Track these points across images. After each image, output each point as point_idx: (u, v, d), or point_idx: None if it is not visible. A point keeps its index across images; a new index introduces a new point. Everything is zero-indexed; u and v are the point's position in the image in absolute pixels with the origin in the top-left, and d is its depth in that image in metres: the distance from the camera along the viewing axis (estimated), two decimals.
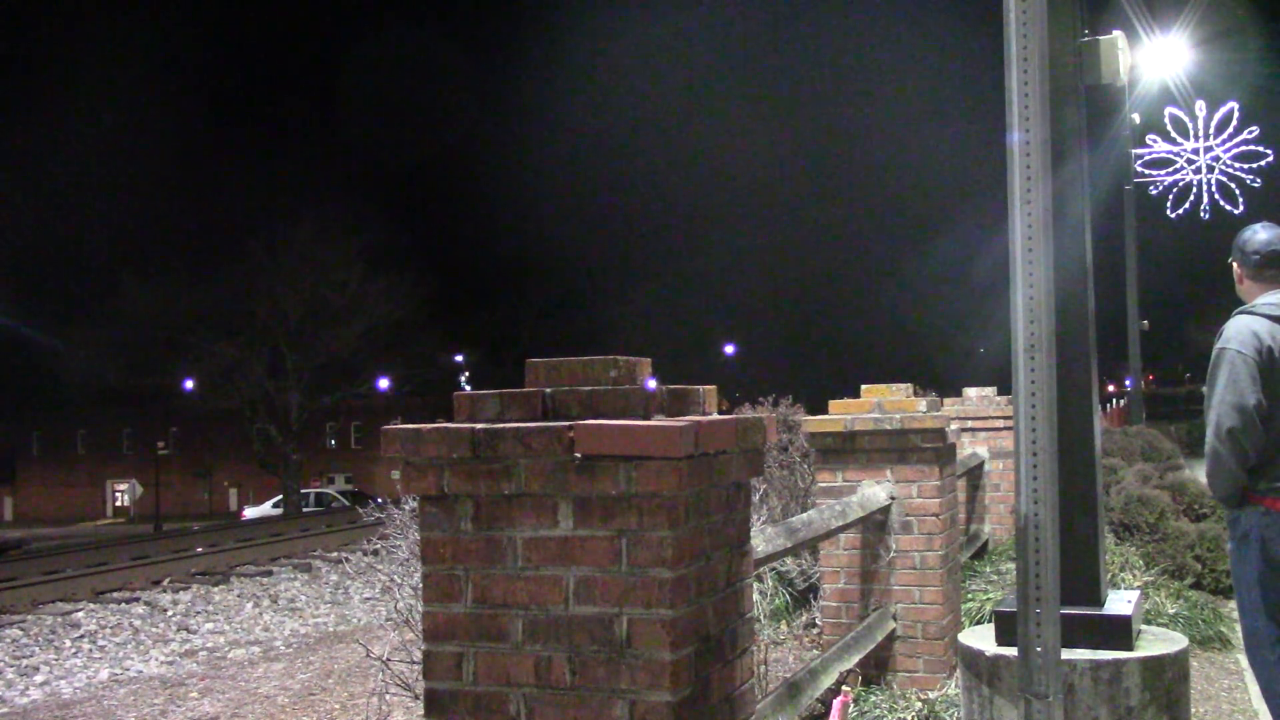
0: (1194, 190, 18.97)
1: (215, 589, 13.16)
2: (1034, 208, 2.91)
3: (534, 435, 2.31)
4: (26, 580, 14.08)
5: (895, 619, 5.08)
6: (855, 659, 4.45)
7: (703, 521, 2.41)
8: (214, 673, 8.23)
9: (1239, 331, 3.96)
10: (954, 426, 5.49)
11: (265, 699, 6.96)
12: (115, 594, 12.99)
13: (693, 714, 2.34)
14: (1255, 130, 18.72)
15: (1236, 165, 18.74)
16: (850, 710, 4.48)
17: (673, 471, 2.23)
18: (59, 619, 11.36)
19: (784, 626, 6.51)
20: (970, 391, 8.69)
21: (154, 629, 10.77)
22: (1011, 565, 6.09)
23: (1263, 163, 18.69)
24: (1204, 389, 4.12)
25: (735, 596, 2.59)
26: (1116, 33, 3.72)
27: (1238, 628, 6.53)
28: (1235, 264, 4.22)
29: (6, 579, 14.42)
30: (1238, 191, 18.72)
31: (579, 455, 2.28)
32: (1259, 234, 4.14)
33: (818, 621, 6.01)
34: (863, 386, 5.28)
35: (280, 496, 40.53)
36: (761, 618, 6.26)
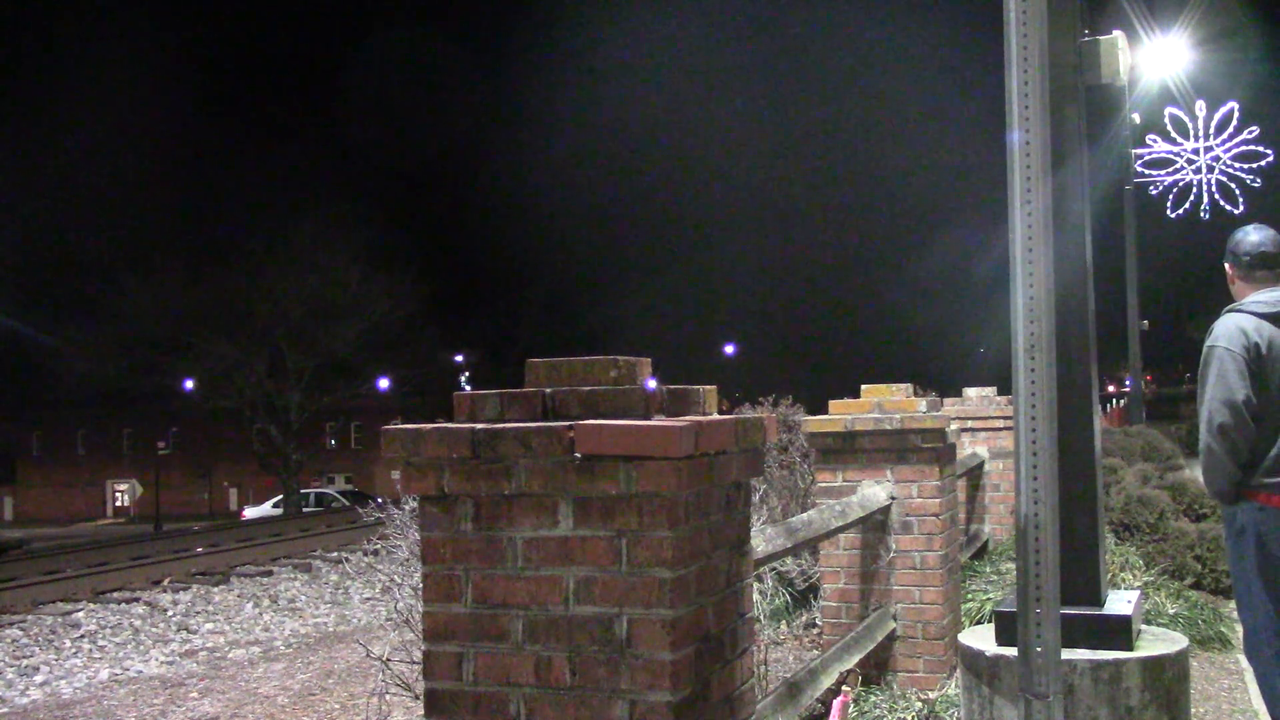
0: (1194, 190, 18.97)
1: (215, 589, 13.16)
2: (1034, 208, 2.91)
3: (534, 435, 2.31)
4: (26, 580, 14.08)
5: (895, 619, 5.08)
6: (855, 659, 4.45)
7: (703, 521, 2.41)
8: (214, 673, 8.23)
9: (1227, 329, 4.02)
10: (954, 426, 5.49)
11: (265, 699, 6.96)
12: (115, 594, 12.99)
13: (693, 714, 2.34)
14: (1255, 130, 18.72)
15: (1236, 165, 18.74)
16: (850, 710, 4.48)
17: (673, 471, 2.23)
18: (59, 619, 11.36)
19: (784, 626, 6.51)
20: (970, 391, 8.69)
21: (154, 629, 10.77)
22: (1011, 565, 6.09)
23: (1263, 163, 18.69)
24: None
25: (735, 596, 2.59)
26: (1116, 33, 3.73)
27: (1238, 627, 6.53)
28: (1228, 265, 4.27)
29: (6, 579, 14.41)
30: (1238, 191, 18.72)
31: (579, 455, 2.28)
32: (1250, 235, 4.20)
33: (818, 621, 6.01)
34: (863, 386, 5.28)
35: (280, 496, 40.48)
36: (761, 618, 6.25)
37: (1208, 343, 4.07)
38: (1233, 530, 4.08)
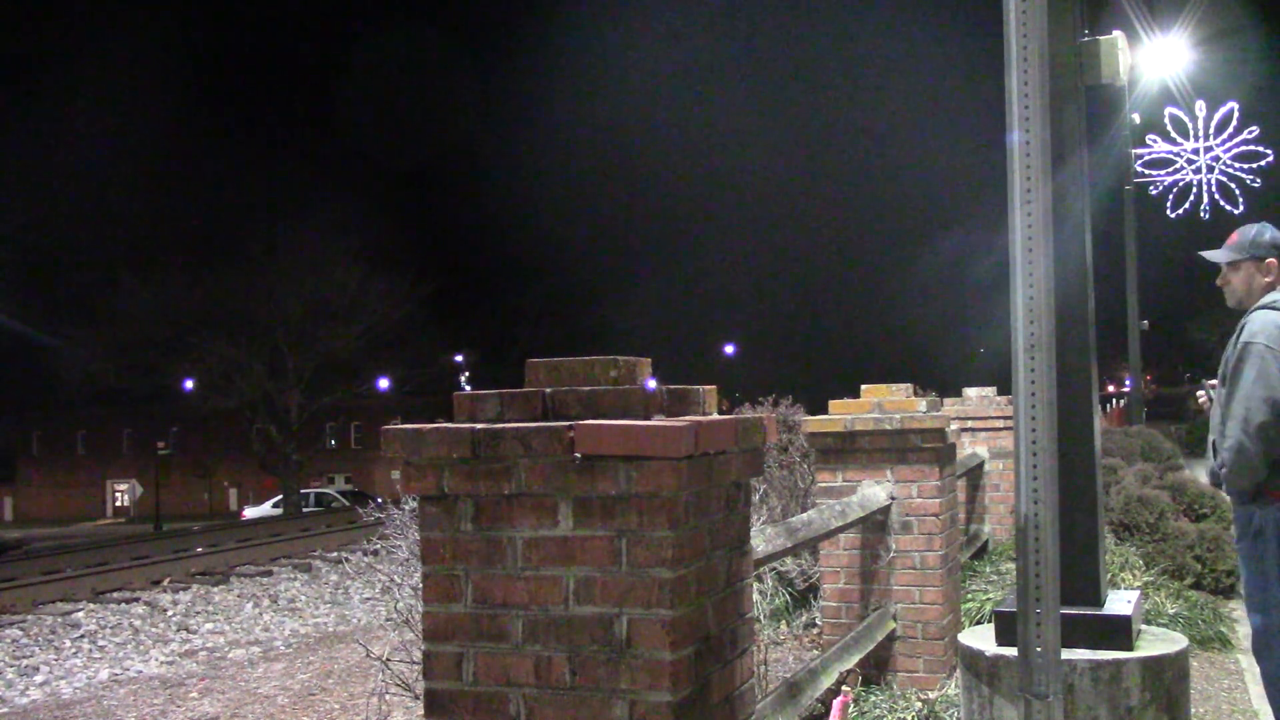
0: (1194, 190, 18.96)
1: (215, 589, 13.16)
2: (1034, 208, 2.91)
3: (534, 435, 2.31)
4: (26, 580, 14.08)
5: (895, 619, 5.08)
6: (855, 659, 4.45)
7: (703, 521, 2.41)
8: (214, 673, 8.23)
9: (1266, 326, 3.95)
10: (954, 426, 5.49)
11: (265, 699, 6.96)
12: (115, 594, 12.99)
13: (693, 714, 2.34)
14: (1255, 130, 18.71)
15: (1236, 165, 18.73)
16: (850, 710, 4.48)
17: (673, 471, 2.23)
18: (59, 619, 11.36)
19: (784, 626, 6.51)
20: (970, 391, 8.69)
21: (154, 629, 10.77)
22: (1011, 565, 6.09)
23: (1263, 163, 18.68)
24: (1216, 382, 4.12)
25: (735, 596, 2.59)
26: (1116, 33, 3.73)
27: (1238, 628, 6.54)
28: (1269, 260, 4.15)
29: (6, 579, 14.42)
30: (1238, 191, 18.71)
31: (579, 455, 2.28)
32: (1267, 232, 4.16)
33: (818, 621, 6.01)
34: (863, 386, 5.28)
35: (280, 496, 40.47)
36: (761, 618, 6.25)
37: (1243, 339, 3.99)
38: (1248, 531, 4.03)
